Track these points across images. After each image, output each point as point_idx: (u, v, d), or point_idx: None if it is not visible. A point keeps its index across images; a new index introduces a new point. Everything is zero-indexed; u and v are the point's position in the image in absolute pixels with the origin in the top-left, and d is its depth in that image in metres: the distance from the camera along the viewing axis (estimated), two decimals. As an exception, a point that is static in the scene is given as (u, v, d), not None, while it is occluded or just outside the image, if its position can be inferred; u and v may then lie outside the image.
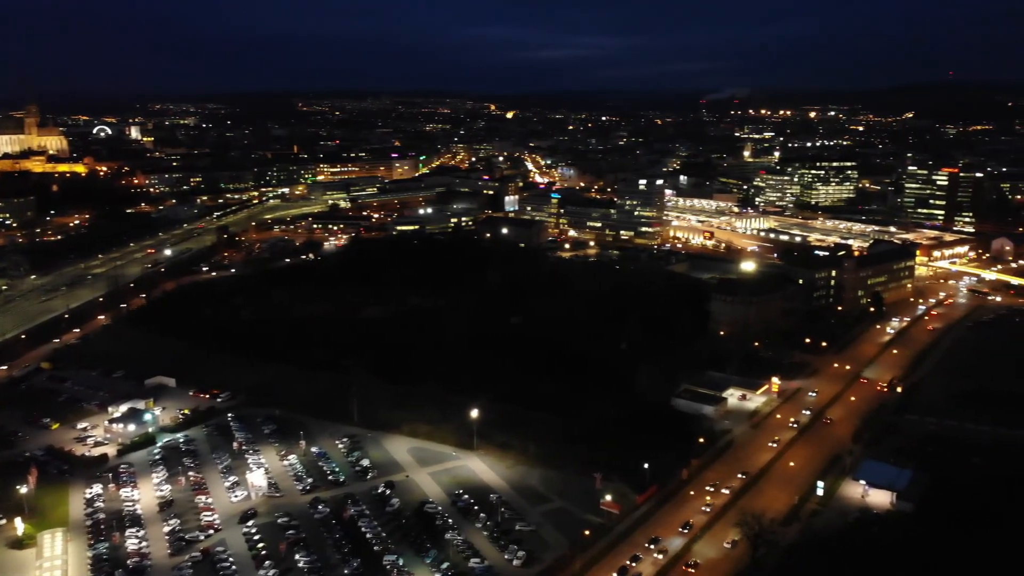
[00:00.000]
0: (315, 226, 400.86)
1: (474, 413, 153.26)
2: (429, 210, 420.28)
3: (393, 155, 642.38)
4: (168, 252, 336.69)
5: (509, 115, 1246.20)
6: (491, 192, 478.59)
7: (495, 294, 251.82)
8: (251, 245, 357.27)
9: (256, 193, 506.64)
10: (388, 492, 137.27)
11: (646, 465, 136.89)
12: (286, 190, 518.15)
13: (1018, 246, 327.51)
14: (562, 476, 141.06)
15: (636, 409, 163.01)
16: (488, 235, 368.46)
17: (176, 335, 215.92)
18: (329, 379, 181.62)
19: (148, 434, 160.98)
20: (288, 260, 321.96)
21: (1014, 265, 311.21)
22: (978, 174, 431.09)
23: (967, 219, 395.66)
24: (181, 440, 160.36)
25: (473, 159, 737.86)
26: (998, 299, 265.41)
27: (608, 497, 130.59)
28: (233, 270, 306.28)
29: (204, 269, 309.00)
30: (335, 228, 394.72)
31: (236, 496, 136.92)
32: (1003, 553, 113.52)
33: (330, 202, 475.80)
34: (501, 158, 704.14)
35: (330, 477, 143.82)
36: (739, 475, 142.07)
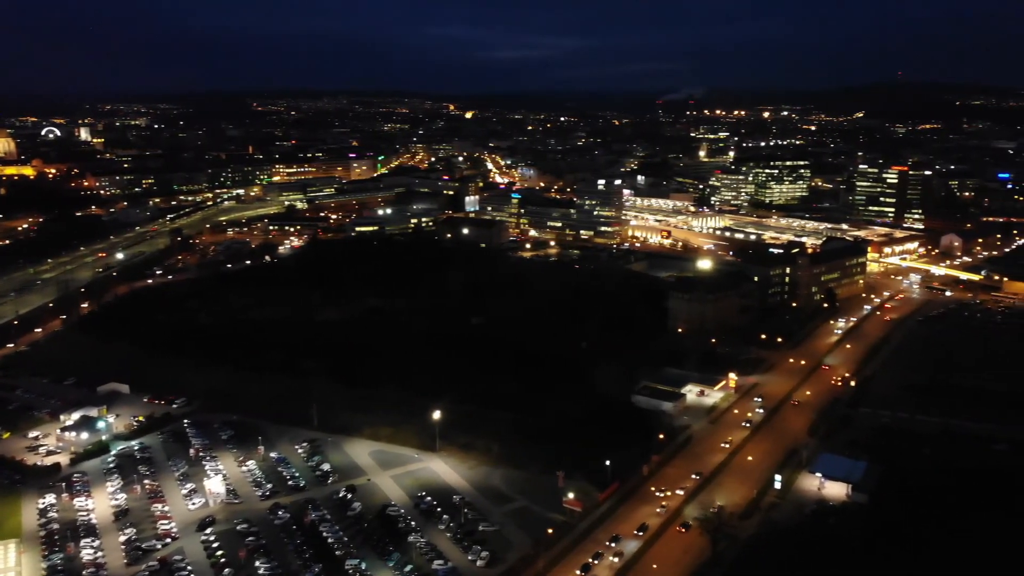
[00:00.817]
0: (271, 228, 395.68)
1: (436, 414, 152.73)
2: (388, 211, 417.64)
3: (351, 155, 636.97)
4: (120, 256, 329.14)
5: (468, 115, 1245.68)
6: (451, 192, 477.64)
7: (456, 295, 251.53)
8: (206, 248, 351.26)
9: (210, 195, 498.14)
10: (349, 496, 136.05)
11: (608, 462, 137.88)
12: (241, 191, 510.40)
13: (966, 242, 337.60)
14: (525, 475, 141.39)
15: (597, 407, 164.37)
16: (449, 235, 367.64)
17: (129, 340, 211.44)
18: (287, 383, 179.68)
19: (102, 442, 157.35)
20: (244, 263, 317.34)
21: (962, 261, 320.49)
22: (927, 172, 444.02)
23: (917, 216, 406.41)
24: (136, 448, 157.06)
25: (432, 159, 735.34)
26: (948, 293, 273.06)
27: (571, 495, 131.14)
28: (187, 274, 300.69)
29: (158, 273, 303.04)
30: (292, 230, 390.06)
31: (194, 504, 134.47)
32: (954, 541, 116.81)
33: (287, 203, 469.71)
34: (461, 158, 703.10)
35: (290, 482, 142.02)
36: (693, 476, 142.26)
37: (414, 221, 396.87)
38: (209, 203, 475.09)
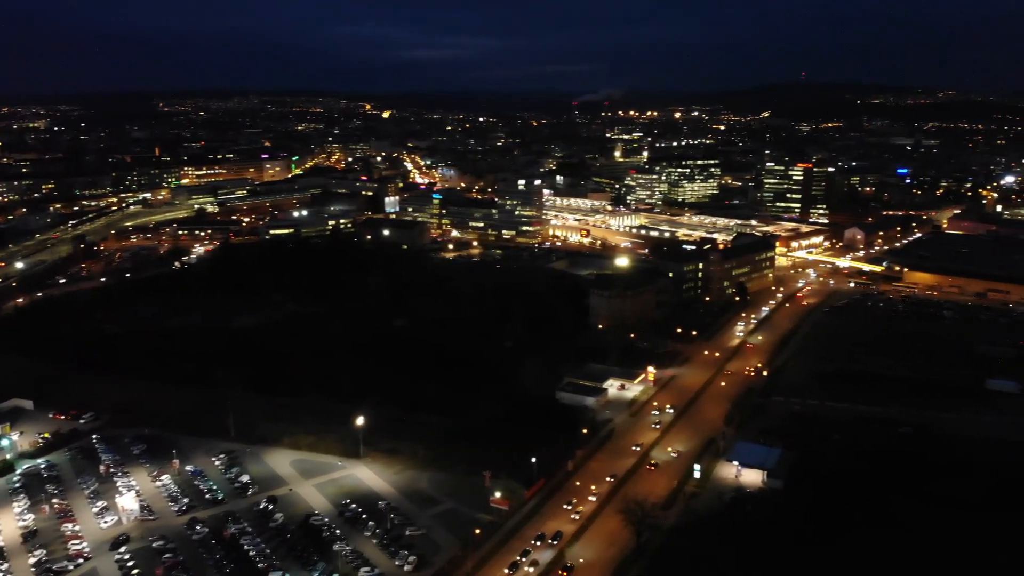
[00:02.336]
0: (180, 232, 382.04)
1: (359, 420, 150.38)
2: (304, 212, 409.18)
3: (264, 156, 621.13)
4: (20, 265, 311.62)
5: (386, 115, 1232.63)
6: (370, 193, 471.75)
7: (377, 297, 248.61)
8: (111, 255, 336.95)
9: (115, 199, 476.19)
10: (271, 507, 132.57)
11: (533, 459, 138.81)
12: (148, 195, 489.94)
13: (868, 235, 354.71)
14: (451, 477, 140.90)
15: (522, 405, 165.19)
16: (368, 237, 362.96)
17: (32, 354, 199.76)
18: (202, 394, 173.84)
19: (6, 461, 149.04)
20: (152, 270, 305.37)
21: (865, 253, 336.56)
22: (830, 169, 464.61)
23: (821, 211, 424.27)
24: (42, 465, 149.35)
25: (349, 159, 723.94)
26: (851, 284, 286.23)
27: (498, 494, 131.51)
28: (92, 282, 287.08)
29: (60, 282, 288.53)
30: (202, 234, 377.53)
31: (106, 522, 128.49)
32: (865, 522, 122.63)
33: (196, 207, 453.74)
34: (379, 158, 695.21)
35: (207, 496, 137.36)
36: (608, 478, 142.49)
37: (332, 223, 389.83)
38: (114, 208, 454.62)
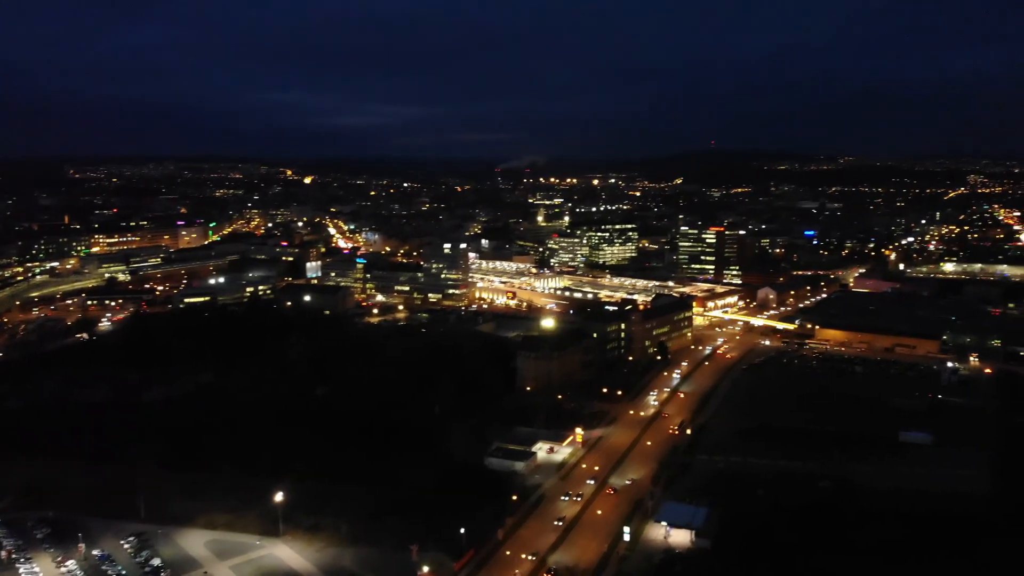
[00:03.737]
0: (89, 302, 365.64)
1: (278, 496, 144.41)
2: (221, 279, 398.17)
3: (180, 223, 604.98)
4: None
5: (307, 180, 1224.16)
6: (291, 259, 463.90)
7: (298, 365, 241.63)
8: (15, 327, 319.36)
9: (20, 269, 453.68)
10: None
11: (462, 530, 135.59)
12: (56, 264, 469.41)
13: (780, 294, 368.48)
14: (377, 552, 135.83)
15: (451, 472, 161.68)
16: (289, 303, 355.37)
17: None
18: (111, 472, 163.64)
19: None
20: (59, 342, 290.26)
21: (778, 311, 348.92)
22: (741, 232, 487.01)
23: (735, 272, 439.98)
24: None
25: (269, 224, 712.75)
26: (767, 342, 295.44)
27: (425, 568, 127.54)
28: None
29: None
30: (113, 303, 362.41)
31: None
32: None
33: (107, 275, 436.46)
34: (300, 223, 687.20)
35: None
36: (531, 556, 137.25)
37: (250, 290, 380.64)
38: (19, 278, 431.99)
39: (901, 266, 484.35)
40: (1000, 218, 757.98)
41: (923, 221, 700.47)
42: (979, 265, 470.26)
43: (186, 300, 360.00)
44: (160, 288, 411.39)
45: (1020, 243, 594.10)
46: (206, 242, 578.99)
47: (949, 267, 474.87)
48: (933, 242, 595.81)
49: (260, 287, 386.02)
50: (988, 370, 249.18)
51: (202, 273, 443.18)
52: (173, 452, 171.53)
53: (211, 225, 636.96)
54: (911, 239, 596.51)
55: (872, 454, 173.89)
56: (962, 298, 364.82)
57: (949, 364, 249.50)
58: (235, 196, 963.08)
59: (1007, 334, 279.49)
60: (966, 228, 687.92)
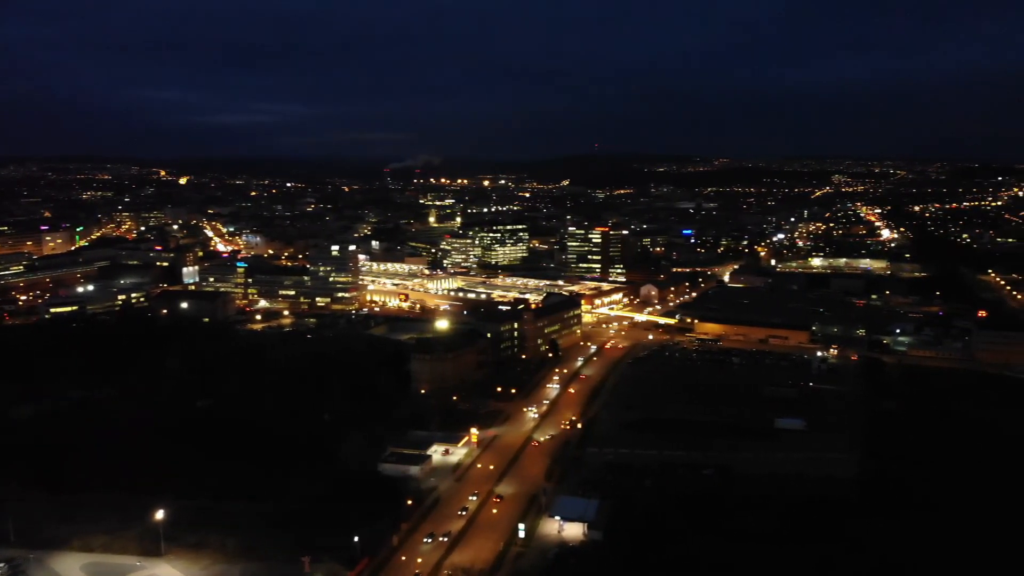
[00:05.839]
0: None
1: (159, 514, 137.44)
2: (90, 287, 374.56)
3: (43, 228, 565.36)
4: None
5: (183, 181, 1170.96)
6: (166, 264, 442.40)
7: (176, 376, 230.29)
8: None
9: None
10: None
11: (356, 539, 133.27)
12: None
13: (661, 291, 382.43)
14: (267, 567, 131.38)
15: (343, 481, 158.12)
16: (165, 311, 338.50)
17: None
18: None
19: None
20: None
21: (660, 307, 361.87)
22: (624, 232, 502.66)
23: (619, 270, 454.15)
24: None
25: (142, 228, 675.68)
26: (650, 336, 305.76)
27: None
28: None
29: None
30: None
31: None
32: (674, 564, 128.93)
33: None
34: (176, 227, 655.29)
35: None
36: (441, 538, 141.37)
37: (122, 297, 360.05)
38: None
39: (772, 262, 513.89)
40: (863, 215, 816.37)
41: (792, 219, 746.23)
42: (844, 260, 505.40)
43: (52, 310, 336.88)
44: (23, 298, 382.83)
45: (881, 239, 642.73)
46: (73, 248, 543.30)
47: (817, 262, 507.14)
48: (801, 239, 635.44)
49: (133, 295, 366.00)
50: (854, 357, 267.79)
51: (69, 281, 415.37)
52: (43, 472, 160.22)
53: (78, 230, 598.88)
54: (781, 236, 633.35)
55: (751, 441, 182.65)
56: (829, 291, 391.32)
57: (818, 353, 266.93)
58: (104, 198, 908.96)
59: (870, 324, 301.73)
60: (832, 225, 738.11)
